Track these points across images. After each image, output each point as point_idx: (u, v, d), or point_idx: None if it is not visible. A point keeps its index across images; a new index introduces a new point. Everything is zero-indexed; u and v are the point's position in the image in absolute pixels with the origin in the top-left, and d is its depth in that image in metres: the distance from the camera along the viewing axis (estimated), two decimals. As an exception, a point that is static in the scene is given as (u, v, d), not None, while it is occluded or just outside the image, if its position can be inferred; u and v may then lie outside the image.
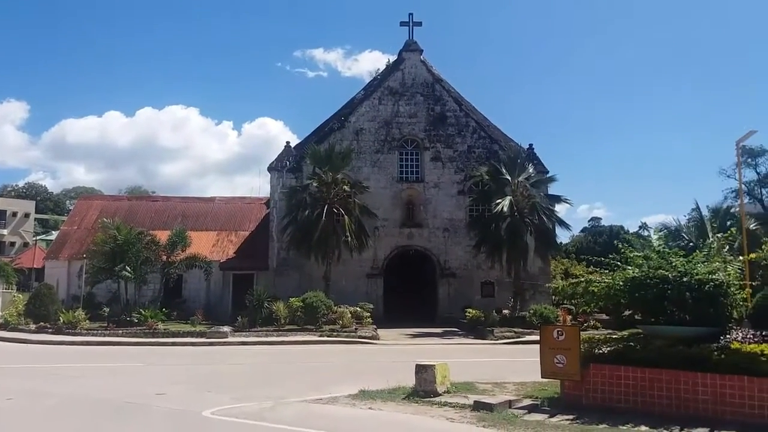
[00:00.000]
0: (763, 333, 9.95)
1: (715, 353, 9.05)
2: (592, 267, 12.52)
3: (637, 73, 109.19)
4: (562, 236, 32.87)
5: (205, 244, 31.33)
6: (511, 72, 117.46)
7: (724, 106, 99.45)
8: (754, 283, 13.61)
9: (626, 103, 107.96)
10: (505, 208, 25.11)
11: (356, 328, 23.07)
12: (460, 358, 16.10)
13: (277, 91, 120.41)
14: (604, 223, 67.97)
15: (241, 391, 11.40)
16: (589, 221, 70.24)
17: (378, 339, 22.06)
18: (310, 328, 22.84)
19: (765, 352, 8.79)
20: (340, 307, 24.26)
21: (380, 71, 34.71)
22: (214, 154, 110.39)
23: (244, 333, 22.55)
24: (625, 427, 8.44)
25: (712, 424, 8.49)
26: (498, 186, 26.67)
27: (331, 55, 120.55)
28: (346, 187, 27.10)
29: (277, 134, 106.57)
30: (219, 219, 34.71)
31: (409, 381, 11.03)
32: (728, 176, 50.04)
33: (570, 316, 22.17)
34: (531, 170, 28.06)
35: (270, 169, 31.48)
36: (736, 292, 9.98)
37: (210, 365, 16.07)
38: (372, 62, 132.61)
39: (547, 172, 30.81)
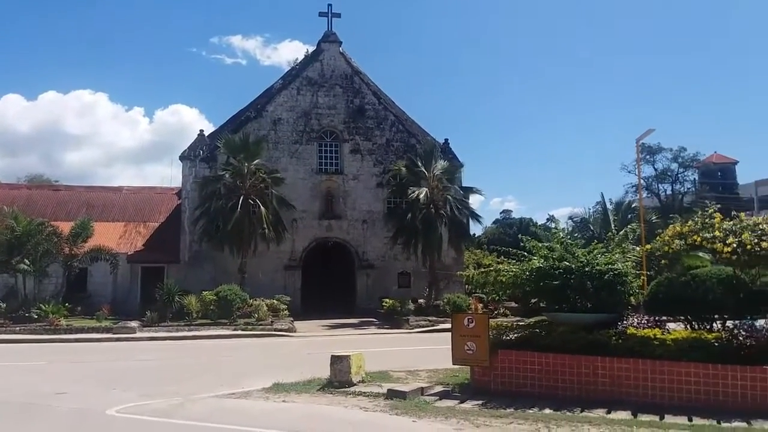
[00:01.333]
0: (656, 318, 10.69)
1: (613, 338, 9.64)
2: (502, 257, 12.95)
3: (547, 72, 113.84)
4: (475, 228, 33.89)
5: (111, 236, 29.90)
6: (429, 67, 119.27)
7: (625, 105, 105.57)
8: (650, 272, 14.60)
9: (536, 100, 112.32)
10: (421, 197, 25.54)
11: (272, 321, 22.77)
12: (377, 348, 16.26)
13: (192, 78, 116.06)
14: (515, 215, 70.41)
15: (149, 388, 10.99)
16: (500, 213, 72.63)
17: (295, 331, 21.89)
18: (223, 322, 22.33)
19: (657, 336, 9.44)
20: (255, 300, 23.86)
21: (299, 61, 34.23)
22: (123, 141, 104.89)
23: (153, 328, 21.75)
24: (531, 411, 8.79)
25: (610, 405, 8.98)
26: (415, 179, 27.13)
27: (250, 43, 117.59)
28: (262, 177, 26.60)
29: (191, 122, 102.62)
30: (127, 210, 33.19)
31: (325, 372, 11.02)
32: (629, 172, 53.20)
33: (481, 305, 22.98)
34: (446, 164, 28.64)
35: (182, 158, 30.42)
36: (632, 280, 10.63)
37: (116, 362, 15.38)
38: (292, 52, 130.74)
39: (462, 165, 31.65)
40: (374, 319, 26.36)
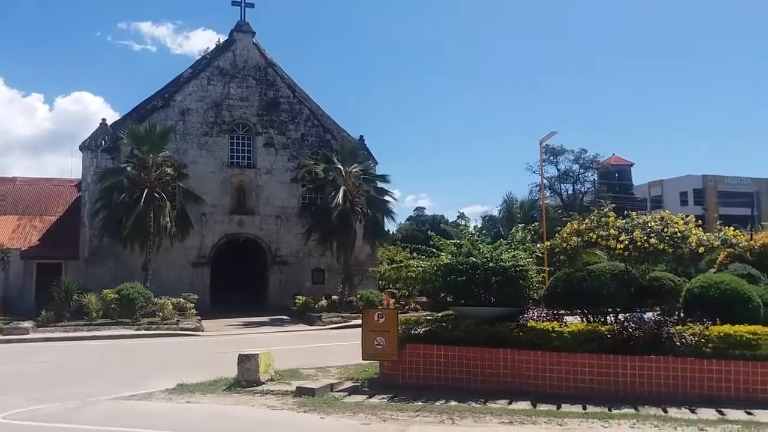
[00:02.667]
0: (555, 311, 11.23)
1: (514, 331, 10.03)
2: (414, 254, 13.18)
3: (462, 73, 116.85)
4: (390, 225, 34.23)
5: (2, 230, 27.87)
6: (345, 64, 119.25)
7: (532, 108, 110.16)
8: (551, 268, 15.33)
9: (450, 100, 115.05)
10: (342, 199, 25.46)
11: (178, 321, 21.95)
12: (288, 346, 16.11)
13: (97, 64, 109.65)
14: (427, 212, 72.03)
15: (43, 392, 10.33)
16: (414, 210, 73.99)
17: (202, 331, 21.24)
18: (126, 321, 21.29)
19: (555, 329, 9.92)
20: (160, 298, 22.91)
21: (210, 50, 33.17)
22: (19, 129, 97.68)
23: (49, 328, 20.42)
24: (437, 403, 9.00)
25: (512, 396, 9.35)
26: (330, 175, 26.98)
27: (161, 30, 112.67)
28: (168, 170, 25.55)
29: (96, 111, 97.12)
30: (21, 202, 30.95)
31: (232, 372, 10.77)
32: (534, 172, 55.70)
33: (393, 300, 23.27)
34: (362, 161, 28.70)
35: (82, 148, 28.71)
36: (533, 275, 11.11)
37: (6, 365, 14.31)
38: (205, 41, 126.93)
39: (377, 163, 31.85)
40: (287, 317, 26.06)
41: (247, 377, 10.48)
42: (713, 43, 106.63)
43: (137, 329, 20.62)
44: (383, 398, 9.41)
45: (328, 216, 25.95)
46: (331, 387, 10.13)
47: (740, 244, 11.62)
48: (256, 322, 24.11)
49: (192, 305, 23.87)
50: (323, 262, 30.18)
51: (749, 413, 8.22)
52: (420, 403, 8.93)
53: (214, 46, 33.40)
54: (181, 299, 23.78)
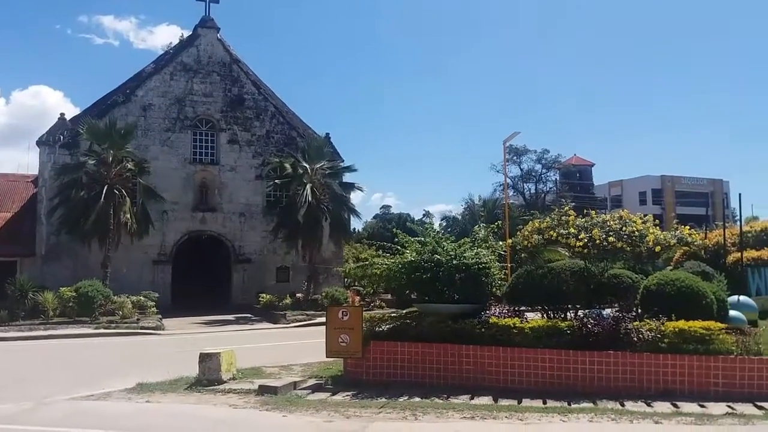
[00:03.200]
0: (516, 308, 11.40)
1: (477, 327, 10.14)
2: (380, 251, 13.21)
3: (427, 75, 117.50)
4: (356, 223, 34.22)
5: (-47, 227, 26.81)
6: (312, 61, 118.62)
7: (497, 108, 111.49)
8: (513, 264, 15.55)
9: (416, 99, 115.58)
10: (309, 197, 25.27)
11: (138, 319, 21.49)
12: (251, 344, 15.96)
13: (57, 58, 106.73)
14: (393, 210, 72.43)
15: (-5, 393, 10.00)
16: (380, 209, 74.25)
17: (163, 329, 20.85)
18: (84, 320, 20.75)
19: (516, 325, 10.06)
20: (120, 296, 22.42)
21: (173, 45, 32.56)
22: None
23: (2, 328, 19.73)
24: (400, 400, 9.04)
25: (474, 391, 9.47)
26: (296, 173, 26.77)
27: (123, 24, 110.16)
28: (129, 166, 24.98)
29: (55, 105, 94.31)
30: (-27, 198, 29.88)
31: (193, 371, 10.61)
32: (497, 171, 56.38)
33: (359, 297, 23.25)
34: (328, 159, 28.58)
35: (39, 143, 27.86)
36: (496, 273, 11.26)
37: (-46, 367, 13.81)
38: (169, 36, 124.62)
39: (343, 161, 31.66)
40: (250, 315, 25.83)
41: (208, 376, 10.34)
42: (673, 44, 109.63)
43: (96, 328, 20.12)
44: (347, 395, 9.40)
45: (294, 214, 25.78)
46: (295, 385, 10.07)
47: (695, 243, 11.97)
48: (219, 321, 23.82)
49: (153, 303, 23.41)
50: (288, 260, 29.95)
51: (702, 406, 8.49)
52: (383, 400, 8.96)
53: (177, 41, 32.87)
54: (141, 297, 23.30)
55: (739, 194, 17.32)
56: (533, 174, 58.87)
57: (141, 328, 20.54)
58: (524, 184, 59.29)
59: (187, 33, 33.04)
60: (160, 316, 22.67)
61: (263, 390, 9.59)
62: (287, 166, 27.05)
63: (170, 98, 30.02)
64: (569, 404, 8.65)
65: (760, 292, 16.20)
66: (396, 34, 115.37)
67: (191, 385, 10.24)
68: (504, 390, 9.53)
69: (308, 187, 25.71)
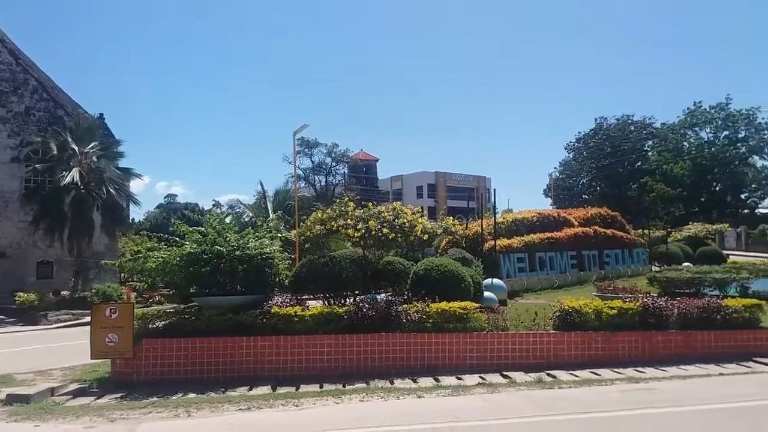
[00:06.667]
0: (298, 296, 11.61)
1: (258, 318, 10.11)
2: (162, 243, 12.42)
3: (220, 62, 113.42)
4: (136, 212, 31.77)
5: None
6: (90, 43, 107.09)
7: (290, 100, 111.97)
8: (302, 254, 15.77)
9: (210, 91, 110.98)
10: (77, 179, 22.70)
11: None
12: (3, 350, 14.00)
13: None
14: (180, 200, 68.88)
15: None
16: (165, 198, 70.06)
17: None
18: None
19: (297, 314, 10.24)
20: None
21: None
22: None
23: None
24: (174, 397, 8.63)
25: (253, 382, 9.41)
26: (62, 155, 23.96)
27: None
28: None
29: None
30: None
31: None
32: (290, 163, 56.69)
33: (135, 293, 21.71)
34: (101, 141, 26.04)
35: None
36: (279, 262, 11.33)
37: None
38: None
39: (119, 144, 29.13)
40: (4, 317, 22.60)
41: (-60, 390, 8.85)
42: (458, 46, 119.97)
43: None
44: (113, 398, 8.73)
45: (59, 201, 23.13)
46: (52, 391, 9.08)
47: (458, 232, 13.32)
48: (-38, 325, 20.47)
49: None
50: (51, 254, 26.74)
51: (459, 378, 9.49)
52: (155, 399, 8.48)
53: None
54: None
55: (494, 189, 19.68)
56: (324, 167, 60.34)
57: None
58: (315, 177, 60.53)
59: None
60: None
61: (12, 399, 8.48)
62: (53, 146, 24.14)
63: None
64: (344, 386, 9.06)
65: (510, 275, 18.61)
66: (198, 29, 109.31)
67: None
68: (284, 378, 9.65)
69: (76, 170, 23.19)
